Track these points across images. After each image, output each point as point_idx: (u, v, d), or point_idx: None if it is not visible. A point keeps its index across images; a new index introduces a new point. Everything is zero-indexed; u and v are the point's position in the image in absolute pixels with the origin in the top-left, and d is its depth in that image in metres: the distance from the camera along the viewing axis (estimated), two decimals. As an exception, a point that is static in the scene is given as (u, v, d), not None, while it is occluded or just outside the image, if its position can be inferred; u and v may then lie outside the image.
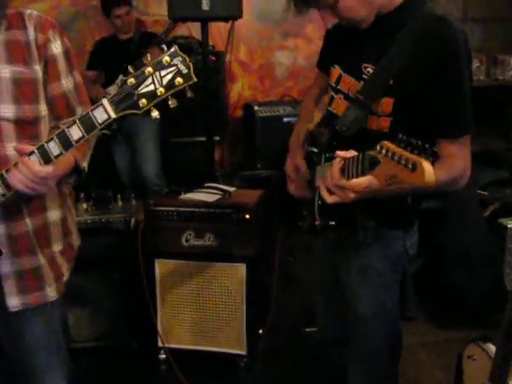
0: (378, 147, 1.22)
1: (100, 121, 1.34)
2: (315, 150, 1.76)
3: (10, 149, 1.49)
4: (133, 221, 2.91)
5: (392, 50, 1.52)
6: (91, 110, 1.33)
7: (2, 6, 1.52)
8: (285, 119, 4.17)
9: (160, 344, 2.73)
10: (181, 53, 1.30)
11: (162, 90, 1.30)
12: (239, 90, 4.82)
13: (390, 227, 1.71)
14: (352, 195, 1.40)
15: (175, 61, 1.29)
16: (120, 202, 3.09)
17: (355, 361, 1.91)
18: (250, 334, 2.67)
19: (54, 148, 1.35)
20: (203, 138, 3.71)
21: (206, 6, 2.81)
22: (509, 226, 3.36)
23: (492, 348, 1.97)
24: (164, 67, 1.30)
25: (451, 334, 3.04)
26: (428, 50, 1.48)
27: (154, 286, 2.72)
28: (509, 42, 4.75)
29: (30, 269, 1.56)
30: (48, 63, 1.55)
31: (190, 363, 2.69)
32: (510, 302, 1.78)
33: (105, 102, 1.32)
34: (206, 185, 2.87)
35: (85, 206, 3.00)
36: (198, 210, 2.62)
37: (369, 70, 1.59)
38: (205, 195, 2.75)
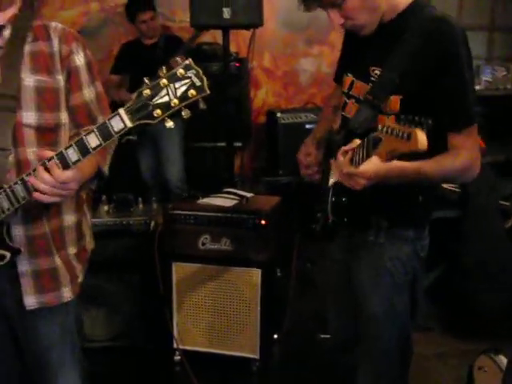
0: (380, 126, 1.35)
1: (116, 129, 1.38)
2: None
3: (31, 154, 1.54)
4: (152, 224, 2.95)
5: (396, 51, 1.59)
6: (108, 119, 1.38)
7: (30, 18, 1.60)
8: (307, 126, 4.20)
9: (175, 346, 2.76)
10: (195, 66, 1.34)
11: (176, 101, 1.34)
12: (263, 96, 4.86)
13: (401, 228, 1.76)
14: (362, 181, 1.50)
15: (189, 73, 1.33)
16: (141, 205, 3.15)
17: (365, 361, 1.93)
18: (263, 339, 2.69)
19: (72, 154, 1.40)
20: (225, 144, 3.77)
21: (227, 14, 2.86)
22: (530, 238, 3.32)
23: (503, 360, 1.96)
24: (178, 79, 1.33)
25: (468, 346, 3.00)
26: (429, 49, 1.54)
27: (171, 289, 2.76)
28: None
29: (46, 269, 1.61)
30: (71, 74, 1.61)
31: (203, 365, 2.72)
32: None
33: (121, 111, 1.36)
34: (224, 190, 2.90)
35: (106, 208, 3.06)
36: (214, 214, 2.66)
37: (376, 72, 1.66)
38: (222, 200, 2.79)
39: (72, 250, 1.70)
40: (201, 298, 2.74)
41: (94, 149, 1.40)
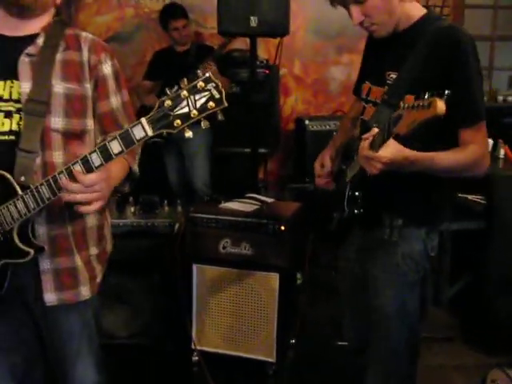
0: (402, 103, 1.46)
1: (138, 137, 1.43)
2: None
3: (57, 157, 1.61)
4: (176, 226, 3.01)
5: (411, 56, 1.69)
6: (130, 127, 1.43)
7: (63, 27, 1.67)
8: (335, 134, 4.19)
9: (193, 346, 2.81)
10: (215, 79, 1.38)
11: (195, 112, 1.39)
12: (293, 103, 4.90)
13: (414, 227, 1.83)
14: (379, 165, 1.58)
15: (209, 86, 1.38)
16: (166, 208, 3.21)
17: (375, 361, 1.97)
18: (280, 343, 2.71)
19: (95, 159, 1.45)
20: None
21: (253, 22, 2.91)
22: (557, 251, 3.27)
23: (515, 373, 1.95)
24: (198, 91, 1.38)
25: (489, 359, 2.97)
26: (440, 56, 1.66)
27: (191, 290, 2.81)
28: None
29: (66, 268, 1.67)
30: (98, 83, 1.68)
31: (220, 367, 2.75)
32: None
33: (143, 120, 1.41)
34: (246, 195, 2.95)
35: (132, 209, 3.13)
36: (235, 218, 2.70)
37: (392, 76, 1.77)
38: (243, 205, 2.83)
39: (94, 251, 1.76)
40: (220, 301, 2.78)
41: (117, 155, 1.45)
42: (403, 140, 1.56)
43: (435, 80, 1.63)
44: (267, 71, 4.28)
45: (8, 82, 1.59)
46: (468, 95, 1.67)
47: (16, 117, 1.58)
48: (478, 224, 3.49)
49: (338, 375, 2.66)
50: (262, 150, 4.27)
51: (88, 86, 1.66)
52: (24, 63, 1.59)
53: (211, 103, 1.38)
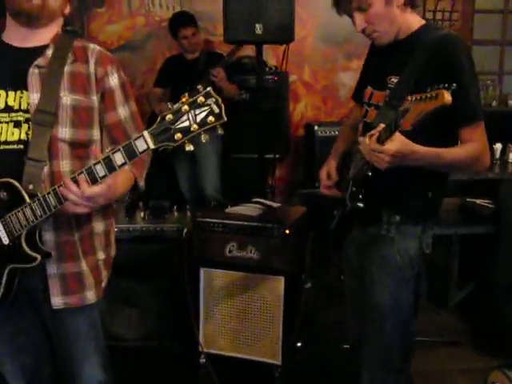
0: (409, 98, 1.55)
1: (140, 150, 1.47)
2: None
3: (64, 166, 1.67)
4: (185, 231, 3.06)
5: (411, 61, 1.78)
6: (133, 140, 1.48)
7: (72, 39, 1.73)
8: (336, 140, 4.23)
9: (200, 349, 2.85)
10: (214, 94, 1.43)
11: (195, 126, 1.43)
12: (302, 110, 4.93)
13: (411, 224, 1.90)
14: (386, 158, 1.66)
15: (209, 101, 1.42)
16: (176, 213, 3.26)
17: (370, 355, 2.02)
18: (285, 346, 2.74)
19: (100, 170, 1.50)
20: (265, 155, 3.86)
21: (259, 30, 2.95)
22: None
23: (515, 375, 1.97)
24: (198, 106, 1.42)
25: (494, 364, 2.97)
26: (438, 58, 1.75)
27: (199, 293, 2.85)
28: None
29: (72, 273, 1.72)
30: (105, 94, 1.73)
31: (227, 369, 2.78)
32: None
33: (145, 133, 1.46)
34: (253, 200, 2.99)
35: (142, 214, 3.18)
36: (241, 223, 2.73)
37: (393, 80, 1.85)
38: (249, 209, 2.87)
39: (101, 256, 1.82)
40: (226, 303, 2.81)
41: (120, 166, 1.50)
42: (407, 137, 1.67)
43: (434, 83, 1.67)
44: (276, 78, 4.32)
45: (18, 93, 1.65)
46: (465, 97, 1.73)
47: (25, 126, 1.64)
48: (486, 228, 3.50)
49: (344, 379, 2.68)
50: (271, 156, 4.32)
51: (94, 98, 1.71)
52: (33, 74, 1.65)
53: (211, 118, 1.43)
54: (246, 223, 2.74)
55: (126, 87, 1.80)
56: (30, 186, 1.59)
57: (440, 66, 1.74)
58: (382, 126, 1.67)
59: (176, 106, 1.44)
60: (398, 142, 1.64)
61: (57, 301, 1.71)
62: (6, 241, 1.61)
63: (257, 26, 2.95)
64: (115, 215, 1.97)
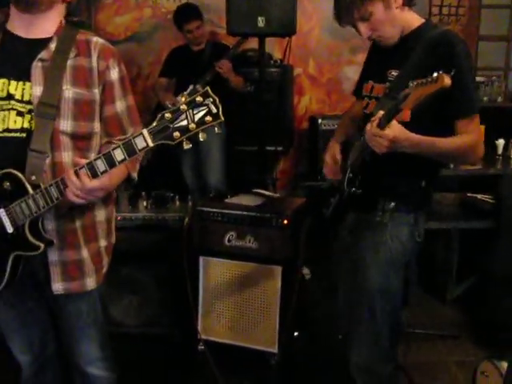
0: (410, 83, 1.61)
1: (140, 147, 1.52)
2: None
3: (66, 157, 1.71)
4: (186, 220, 3.10)
5: (412, 56, 1.84)
6: (133, 138, 1.52)
7: (75, 32, 1.75)
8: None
9: (199, 336, 2.90)
10: (212, 94, 1.47)
11: (193, 125, 1.47)
12: (307, 103, 4.95)
13: (404, 212, 1.97)
14: (385, 143, 1.73)
15: (207, 101, 1.47)
16: (177, 203, 3.29)
17: (357, 340, 2.08)
18: (282, 334, 2.78)
19: (100, 165, 1.56)
20: (268, 147, 3.89)
21: (261, 23, 2.98)
22: None
23: (504, 366, 1.99)
24: (196, 106, 1.46)
25: (492, 356, 3.01)
26: (437, 53, 1.81)
27: (198, 282, 2.90)
28: None
29: (73, 260, 1.77)
30: (105, 87, 1.77)
31: (225, 356, 2.83)
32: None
33: (145, 132, 1.50)
34: (253, 190, 3.02)
35: (144, 203, 3.22)
36: (240, 212, 2.78)
37: (393, 73, 1.92)
38: (249, 199, 2.91)
39: (103, 243, 1.88)
40: (224, 292, 2.86)
41: (120, 162, 1.55)
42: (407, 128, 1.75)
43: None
44: (280, 70, 4.34)
45: (20, 84, 1.69)
46: (462, 90, 1.79)
47: (27, 117, 1.68)
48: (486, 223, 3.51)
49: (340, 368, 2.71)
50: (275, 148, 4.36)
51: (96, 91, 1.75)
52: (37, 67, 1.68)
53: (208, 117, 1.47)
54: (245, 213, 2.78)
55: (125, 81, 1.83)
56: (33, 177, 1.63)
57: (439, 60, 1.78)
58: (382, 112, 1.74)
59: (175, 105, 1.48)
60: (395, 128, 1.72)
61: (57, 287, 1.77)
62: (10, 229, 1.66)
63: (259, 18, 2.98)
64: (115, 202, 2.03)
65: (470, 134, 1.84)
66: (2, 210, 1.65)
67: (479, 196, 3.72)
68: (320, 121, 4.41)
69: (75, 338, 1.93)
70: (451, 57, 1.79)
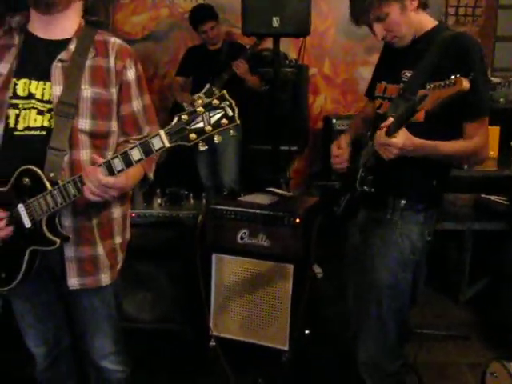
0: (427, 85, 1.62)
1: (156, 148, 1.57)
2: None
3: (84, 155, 1.76)
4: (200, 218, 3.13)
5: (425, 57, 1.86)
6: (150, 138, 1.57)
7: (93, 33, 1.80)
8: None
9: (210, 332, 2.93)
10: (228, 97, 1.50)
11: (209, 127, 1.51)
12: (322, 103, 4.97)
13: (414, 211, 1.99)
14: (394, 151, 1.77)
15: (223, 104, 1.50)
16: (192, 201, 3.33)
17: (365, 337, 2.11)
18: (293, 332, 2.80)
19: (117, 164, 1.60)
20: (283, 147, 3.92)
21: (276, 23, 3.01)
22: None
23: (514, 367, 2.00)
24: (213, 108, 1.50)
25: (503, 358, 3.01)
26: (450, 55, 1.84)
27: (210, 279, 2.93)
28: None
29: (89, 256, 1.82)
30: (122, 87, 1.81)
31: (236, 353, 2.85)
32: None
33: (161, 132, 1.55)
34: (266, 189, 3.05)
35: (159, 201, 3.25)
36: (252, 211, 2.80)
37: (407, 74, 1.94)
38: (262, 198, 2.93)
39: (118, 240, 1.92)
40: (236, 289, 2.89)
41: (137, 162, 1.60)
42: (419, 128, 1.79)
43: (445, 77, 1.73)
44: (295, 70, 4.36)
45: (41, 83, 1.74)
46: (473, 93, 1.76)
47: (47, 115, 1.72)
48: (500, 225, 3.51)
49: (350, 366, 2.72)
50: (290, 148, 4.38)
51: (114, 91, 1.79)
52: (57, 68, 1.73)
53: (224, 120, 1.50)
54: (257, 211, 2.80)
55: (142, 80, 1.88)
56: (52, 174, 1.68)
57: (453, 62, 1.81)
58: (391, 119, 1.76)
59: (192, 106, 1.52)
60: (402, 136, 1.75)
61: (73, 282, 1.81)
62: (28, 224, 1.71)
63: (274, 19, 3.01)
64: (131, 200, 2.07)
65: (476, 136, 1.87)
66: (21, 205, 1.70)
67: (493, 197, 3.72)
68: (334, 121, 4.43)
69: (89, 332, 1.97)
70: (465, 59, 1.81)
